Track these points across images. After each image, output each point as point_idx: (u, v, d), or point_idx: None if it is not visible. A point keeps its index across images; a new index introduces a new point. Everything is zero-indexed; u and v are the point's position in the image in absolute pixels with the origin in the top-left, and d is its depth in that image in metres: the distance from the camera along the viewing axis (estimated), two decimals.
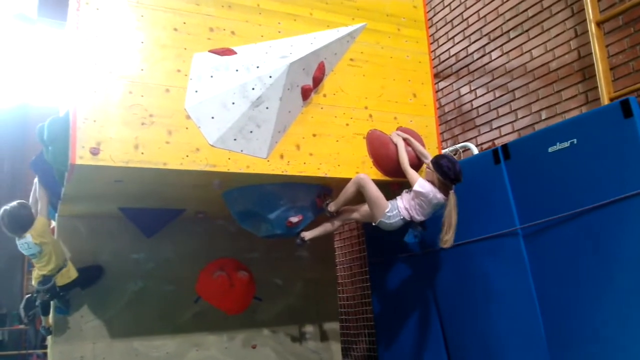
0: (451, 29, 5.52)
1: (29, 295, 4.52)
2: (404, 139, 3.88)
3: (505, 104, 4.80)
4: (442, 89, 5.55)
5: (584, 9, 4.01)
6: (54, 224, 4.52)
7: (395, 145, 3.84)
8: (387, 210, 3.61)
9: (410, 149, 3.86)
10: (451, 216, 3.52)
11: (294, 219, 3.80)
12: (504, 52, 4.86)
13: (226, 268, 4.72)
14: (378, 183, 3.67)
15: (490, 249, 3.80)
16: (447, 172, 3.49)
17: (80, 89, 3.06)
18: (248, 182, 3.65)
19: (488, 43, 5.04)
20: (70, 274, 4.12)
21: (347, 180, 3.69)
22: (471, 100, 5.19)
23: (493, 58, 4.98)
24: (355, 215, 3.86)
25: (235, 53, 3.49)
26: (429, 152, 3.91)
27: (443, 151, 4.42)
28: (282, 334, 5.18)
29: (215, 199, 3.96)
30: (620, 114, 3.01)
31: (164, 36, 3.36)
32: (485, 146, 4.87)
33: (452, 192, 3.56)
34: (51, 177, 3.71)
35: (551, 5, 4.42)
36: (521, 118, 4.62)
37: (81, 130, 2.99)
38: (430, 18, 5.69)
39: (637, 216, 2.94)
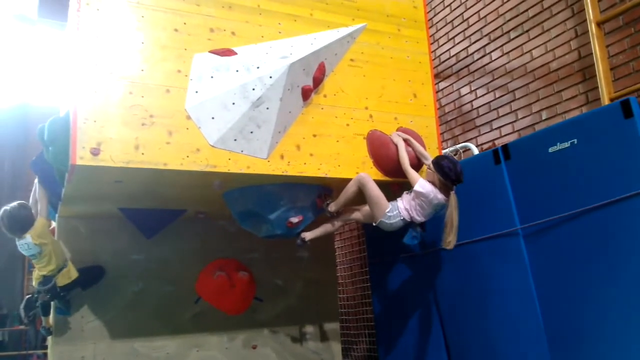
0: (451, 30, 5.52)
1: (29, 295, 4.52)
2: (404, 140, 3.88)
3: (505, 104, 4.81)
4: (442, 89, 5.55)
5: (584, 9, 4.01)
6: (54, 224, 4.52)
7: (396, 145, 3.84)
8: (387, 211, 3.61)
9: (410, 149, 3.86)
10: (453, 217, 3.52)
11: (295, 220, 3.80)
12: (505, 52, 4.86)
13: (226, 268, 4.73)
14: (378, 183, 3.67)
15: (490, 249, 3.81)
16: (448, 172, 3.49)
17: (80, 89, 3.06)
18: (248, 183, 3.65)
19: (488, 43, 5.04)
20: (70, 274, 4.12)
21: (348, 180, 3.69)
22: (471, 101, 5.20)
23: (493, 58, 4.98)
24: (356, 215, 3.86)
25: (236, 53, 3.49)
26: (429, 153, 3.91)
27: (443, 151, 4.42)
28: (283, 335, 5.18)
29: (216, 200, 3.96)
30: (621, 114, 3.01)
31: (165, 37, 3.36)
32: (485, 146, 4.87)
33: (452, 193, 3.56)
34: (51, 177, 3.71)
35: (551, 5, 4.42)
36: (521, 118, 4.62)
37: (82, 131, 2.99)
38: (431, 18, 5.70)
39: (638, 216, 2.94)
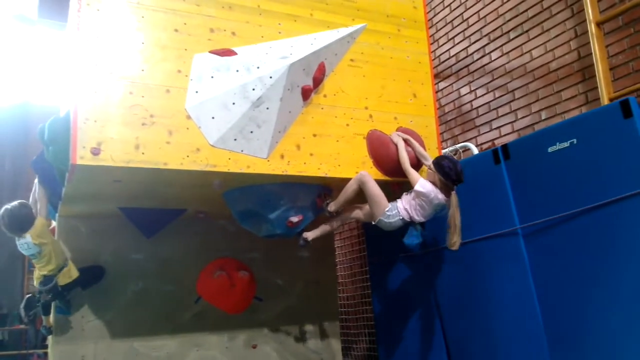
0: (451, 30, 5.52)
1: (29, 295, 4.52)
2: (404, 140, 3.88)
3: (505, 104, 4.81)
4: (442, 89, 5.55)
5: (584, 10, 4.01)
6: (54, 224, 4.53)
7: (396, 145, 3.84)
8: (387, 210, 3.62)
9: (410, 149, 3.86)
10: (455, 217, 3.52)
11: (295, 219, 3.81)
12: (504, 52, 4.87)
13: (226, 268, 4.73)
14: (378, 183, 3.68)
15: (490, 249, 3.81)
16: (448, 172, 3.50)
17: (81, 89, 3.07)
18: (248, 182, 3.66)
19: (488, 43, 5.05)
20: (71, 273, 4.12)
21: (347, 180, 3.70)
22: (471, 101, 5.20)
23: (493, 58, 4.98)
24: (356, 213, 3.87)
25: (236, 54, 3.49)
26: (429, 153, 3.91)
27: (443, 151, 4.43)
28: (283, 334, 5.19)
29: (216, 199, 3.97)
30: (620, 114, 3.02)
31: (165, 37, 3.37)
32: (485, 146, 4.87)
33: (453, 193, 3.56)
34: (52, 177, 3.72)
35: (551, 5, 4.43)
36: (521, 118, 4.62)
37: (82, 131, 3.00)
38: (431, 19, 5.70)
39: (637, 216, 2.94)
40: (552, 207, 3.38)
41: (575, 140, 3.26)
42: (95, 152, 3.00)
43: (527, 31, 4.64)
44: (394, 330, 4.75)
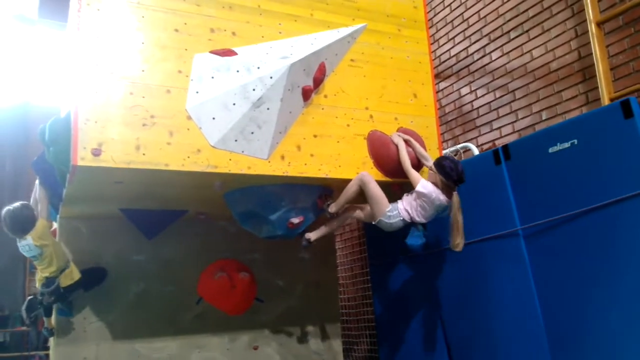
0: (451, 30, 5.52)
1: (31, 296, 4.52)
2: (405, 140, 3.88)
3: (505, 104, 4.81)
4: (442, 89, 5.55)
5: (584, 9, 4.01)
6: (55, 225, 4.53)
7: (396, 146, 3.84)
8: (387, 210, 3.61)
9: (410, 149, 3.86)
10: (457, 218, 3.52)
11: (295, 220, 3.81)
12: (505, 52, 4.86)
13: (227, 269, 4.73)
14: (379, 184, 3.67)
15: (491, 250, 3.81)
16: (449, 173, 3.49)
17: (81, 89, 3.07)
18: (249, 183, 3.66)
19: (488, 43, 5.05)
20: (73, 275, 4.12)
21: (348, 181, 3.69)
22: (472, 101, 5.20)
23: (493, 58, 4.98)
24: (357, 213, 3.87)
25: (236, 54, 3.49)
26: (430, 154, 3.91)
27: (444, 152, 4.43)
28: (284, 335, 5.18)
29: (217, 200, 3.96)
30: (621, 115, 3.02)
31: (165, 37, 3.37)
32: (485, 147, 4.87)
33: (455, 194, 3.56)
34: (53, 178, 3.72)
35: (551, 5, 4.43)
36: (522, 118, 4.62)
37: (82, 131, 3.00)
38: (431, 18, 5.70)
39: (638, 217, 2.94)
40: (553, 208, 3.38)
41: (576, 141, 3.26)
42: (96, 153, 3.00)
43: (527, 31, 4.64)
44: (395, 331, 4.75)
